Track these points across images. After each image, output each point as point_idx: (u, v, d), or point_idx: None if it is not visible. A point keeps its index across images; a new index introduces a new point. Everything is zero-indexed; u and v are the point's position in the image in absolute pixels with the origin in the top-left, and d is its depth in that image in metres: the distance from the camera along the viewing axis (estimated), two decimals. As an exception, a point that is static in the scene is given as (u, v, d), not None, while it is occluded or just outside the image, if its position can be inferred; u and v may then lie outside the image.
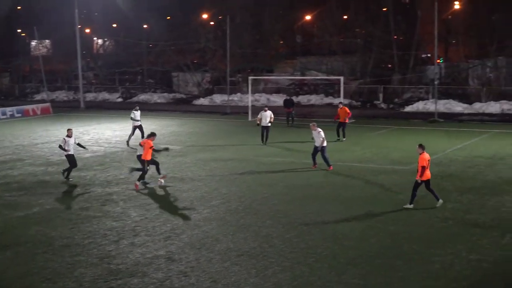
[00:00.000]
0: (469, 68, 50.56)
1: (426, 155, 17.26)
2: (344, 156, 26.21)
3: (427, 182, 17.35)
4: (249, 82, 43.67)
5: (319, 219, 16.45)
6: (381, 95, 51.27)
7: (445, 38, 55.30)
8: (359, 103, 50.54)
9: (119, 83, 67.92)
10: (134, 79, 68.97)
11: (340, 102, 33.55)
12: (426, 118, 40.78)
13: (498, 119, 40.03)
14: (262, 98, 53.13)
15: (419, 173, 17.09)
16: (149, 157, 20.51)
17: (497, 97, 46.17)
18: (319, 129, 22.82)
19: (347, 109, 31.11)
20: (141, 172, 20.70)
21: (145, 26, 67.60)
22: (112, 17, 69.37)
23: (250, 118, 41.17)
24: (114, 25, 73.83)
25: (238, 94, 55.11)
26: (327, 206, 17.79)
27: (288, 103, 38.20)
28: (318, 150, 22.89)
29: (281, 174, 22.64)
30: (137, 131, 30.52)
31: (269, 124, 29.41)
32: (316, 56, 60.65)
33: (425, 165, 17.02)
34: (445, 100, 46.23)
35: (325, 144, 22.80)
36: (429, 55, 56.26)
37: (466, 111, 44.17)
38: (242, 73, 58.16)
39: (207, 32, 61.04)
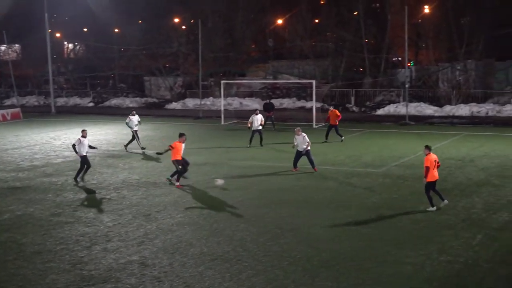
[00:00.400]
0: (439, 71, 51.17)
1: (433, 156, 17.46)
2: (317, 159, 26.22)
3: (435, 182, 17.53)
4: (222, 86, 43.68)
5: (293, 222, 16.50)
6: (353, 98, 51.67)
7: (415, 41, 55.90)
8: (331, 106, 50.70)
9: (91, 88, 67.41)
10: (106, 83, 68.52)
11: (331, 105, 34.57)
12: (398, 121, 41.18)
13: (467, 122, 40.57)
14: (235, 102, 53.15)
15: (424, 174, 17.35)
16: (179, 157, 21.07)
17: (467, 100, 46.85)
18: (304, 134, 22.97)
19: (337, 112, 32.01)
20: (181, 172, 21.41)
21: (116, 30, 67.21)
22: (83, 21, 68.80)
23: (223, 122, 41.19)
24: (85, 29, 73.22)
25: (211, 98, 55.05)
26: (300, 210, 17.87)
27: (268, 107, 38.27)
28: (302, 154, 22.99)
29: (254, 177, 22.66)
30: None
31: (260, 127, 29.85)
32: (288, 60, 60.92)
33: (428, 165, 17.22)
34: (416, 103, 46.75)
35: (309, 148, 22.97)
36: (399, 58, 56.73)
37: (436, 114, 44.69)
38: (215, 77, 58.12)
39: (179, 36, 60.89)
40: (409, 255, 13.68)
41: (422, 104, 46.86)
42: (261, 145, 29.92)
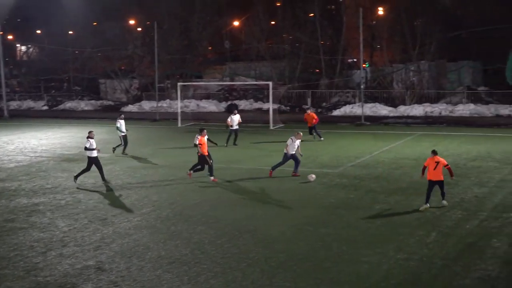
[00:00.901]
0: (393, 72, 51.98)
1: (435, 158, 18.07)
2: (273, 160, 26.36)
3: (438, 183, 17.95)
4: (178, 88, 43.51)
5: (251, 223, 16.52)
6: (309, 100, 52.05)
7: (370, 43, 56.69)
8: (288, 107, 51.11)
9: (45, 91, 66.36)
10: (60, 86, 67.58)
11: (308, 108, 35.47)
12: (353, 121, 41.66)
13: (421, 122, 41.29)
14: (192, 104, 53.02)
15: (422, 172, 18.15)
16: (206, 151, 22.16)
17: (420, 100, 47.71)
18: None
19: (314, 115, 32.78)
20: (201, 168, 22.65)
21: (70, 32, 66.30)
22: (36, 23, 67.73)
23: (180, 124, 41.00)
24: (39, 32, 72.06)
25: (167, 100, 54.83)
26: (258, 211, 17.91)
27: (232, 108, 38.34)
28: (289, 159, 22.75)
29: (210, 179, 22.58)
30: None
31: (237, 127, 31.02)
32: (244, 62, 61.11)
33: (425, 165, 17.97)
34: (371, 104, 47.40)
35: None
36: (355, 59, 57.46)
37: (391, 114, 45.37)
38: (171, 79, 57.92)
39: (134, 38, 60.48)
40: (366, 254, 13.82)
41: (377, 105, 47.52)
42: (235, 144, 30.70)
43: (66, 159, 28.30)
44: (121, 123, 29.11)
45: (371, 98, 49.20)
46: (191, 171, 22.74)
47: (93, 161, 22.13)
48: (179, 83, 44.92)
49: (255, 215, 17.40)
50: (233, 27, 65.51)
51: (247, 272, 12.89)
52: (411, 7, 50.92)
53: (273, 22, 60.73)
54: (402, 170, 23.68)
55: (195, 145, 23.06)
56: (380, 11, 52.39)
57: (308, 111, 33.54)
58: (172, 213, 17.88)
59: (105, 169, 25.01)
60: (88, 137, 22.13)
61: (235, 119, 30.98)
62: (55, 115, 52.30)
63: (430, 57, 50.00)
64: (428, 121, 41.33)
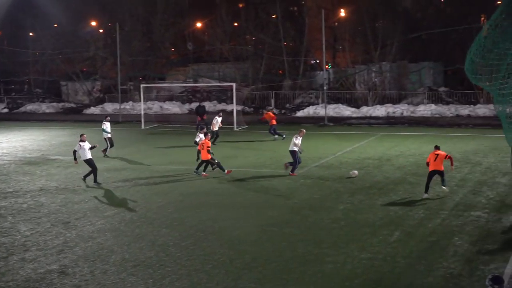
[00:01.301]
0: (355, 73, 52.49)
1: (435, 152, 19.12)
2: (238, 161, 26.50)
3: (438, 172, 18.96)
4: (141, 90, 43.27)
5: (215, 225, 16.55)
6: (272, 101, 52.22)
7: (333, 44, 57.19)
8: (251, 109, 51.22)
9: (5, 93, 65.25)
10: (21, 88, 66.53)
11: (267, 107, 36.24)
12: (317, 122, 41.94)
13: (384, 122, 41.79)
14: (155, 106, 52.73)
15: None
16: (209, 156, 22.80)
17: (383, 101, 48.31)
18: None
19: (271, 113, 33.77)
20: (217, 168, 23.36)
21: (31, 34, 65.34)
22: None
23: (143, 126, 40.75)
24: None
25: (130, 102, 54.44)
26: (222, 212, 17.94)
27: (200, 110, 38.15)
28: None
29: (175, 182, 22.60)
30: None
31: (217, 128, 32.12)
32: (208, 63, 61.01)
33: (428, 160, 19.27)
34: (334, 105, 47.77)
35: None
36: (317, 61, 57.89)
37: (354, 115, 45.78)
38: (134, 81, 57.53)
39: (96, 40, 59.91)
40: (330, 254, 13.95)
41: (340, 106, 47.92)
42: (214, 144, 30.66)
43: (28, 162, 27.91)
44: (107, 125, 29.35)
45: (334, 99, 49.62)
46: (225, 170, 23.36)
47: (89, 163, 22.22)
48: (142, 85, 44.70)
49: (220, 217, 17.42)
50: (196, 28, 65.38)
51: (212, 274, 12.90)
52: (372, 9, 51.55)
53: (236, 24, 60.81)
54: (365, 170, 23.95)
55: (196, 143, 25.03)
56: (342, 12, 52.88)
57: (265, 111, 34.44)
58: (136, 215, 17.79)
59: (66, 172, 24.89)
60: (80, 141, 22.29)
61: (219, 121, 32.23)
62: (15, 118, 51.48)
63: (392, 58, 50.66)
64: (390, 122, 41.86)
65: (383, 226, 16.18)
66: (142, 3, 58.10)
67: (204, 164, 23.19)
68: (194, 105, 51.85)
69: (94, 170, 22.18)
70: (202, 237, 15.45)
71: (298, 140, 23.21)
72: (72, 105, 59.30)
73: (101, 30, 62.54)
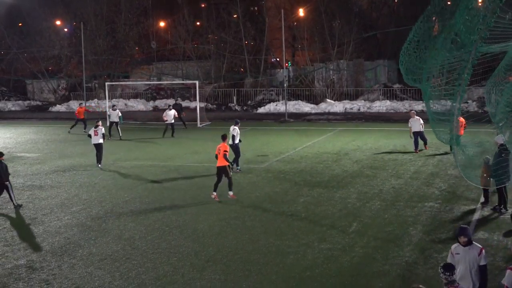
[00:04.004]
0: (314, 71, 53.22)
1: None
2: (201, 157, 26.79)
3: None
4: (106, 88, 43.29)
5: (179, 219, 16.85)
6: (235, 98, 52.71)
7: (292, 43, 57.87)
8: (214, 105, 51.59)
9: (-31, 92, 64.34)
10: (-15, 87, 65.69)
11: (169, 105, 37.03)
12: (277, 118, 42.52)
13: (341, 118, 42.59)
14: (120, 103, 52.69)
15: None
16: (226, 162, 19.07)
17: (340, 97, 49.18)
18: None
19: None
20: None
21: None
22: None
23: (108, 124, 40.68)
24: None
25: (95, 100, 54.36)
26: (185, 207, 18.22)
27: (177, 108, 38.41)
28: None
29: (140, 177, 22.83)
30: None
31: (173, 121, 33.63)
32: (171, 62, 61.23)
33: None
34: (294, 101, 48.45)
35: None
36: (278, 59, 58.53)
37: (313, 111, 46.50)
38: (99, 79, 57.35)
39: (61, 39, 59.47)
40: (291, 245, 14.34)
41: (300, 102, 48.62)
42: (173, 136, 33.00)
43: (-7, 159, 27.73)
44: (112, 112, 34.64)
45: (294, 96, 50.31)
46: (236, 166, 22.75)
47: (97, 146, 24.96)
48: (106, 83, 44.73)
49: (184, 211, 17.72)
50: (159, 28, 65.34)
51: (177, 266, 13.17)
52: (330, 9, 52.38)
53: (198, 23, 61.06)
54: (324, 164, 24.54)
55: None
56: (301, 12, 53.57)
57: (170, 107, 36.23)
58: (103, 210, 18.02)
59: (32, 169, 24.90)
60: (95, 126, 25.04)
61: (171, 114, 33.58)
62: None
63: (348, 56, 51.58)
64: (348, 117, 42.68)
65: (341, 217, 16.63)
66: (106, 2, 57.90)
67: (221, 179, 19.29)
68: (159, 102, 52.01)
69: (100, 153, 25.06)
70: (167, 231, 15.74)
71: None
72: (38, 103, 58.91)
73: (65, 29, 62.11)
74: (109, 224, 16.55)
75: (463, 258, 9.53)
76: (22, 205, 18.81)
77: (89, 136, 25.25)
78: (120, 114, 34.74)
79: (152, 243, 14.77)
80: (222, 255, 13.82)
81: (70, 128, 36.59)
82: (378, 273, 12.56)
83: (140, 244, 14.76)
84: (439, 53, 14.55)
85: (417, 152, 26.27)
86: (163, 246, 14.53)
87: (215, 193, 19.05)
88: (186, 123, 37.46)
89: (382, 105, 46.30)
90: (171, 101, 53.71)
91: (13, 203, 18.50)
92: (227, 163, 19.08)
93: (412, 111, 28.12)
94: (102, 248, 14.52)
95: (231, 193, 19.10)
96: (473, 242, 9.65)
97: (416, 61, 14.61)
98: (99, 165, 24.85)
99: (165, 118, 33.80)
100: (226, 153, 19.04)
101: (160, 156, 27.31)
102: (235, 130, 24.17)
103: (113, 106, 36.70)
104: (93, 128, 25.06)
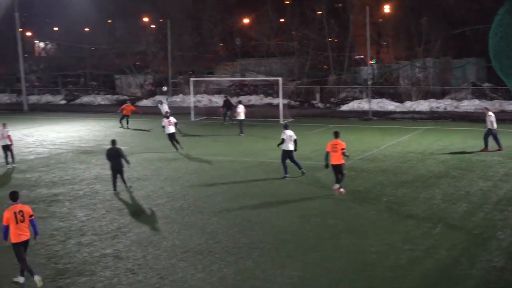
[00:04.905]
0: (399, 68, 52.24)
1: None
2: (280, 153, 26.78)
3: None
4: (191, 83, 44.10)
5: (260, 215, 16.93)
6: (318, 95, 52.49)
7: (377, 40, 56.99)
8: (297, 102, 51.57)
9: (62, 86, 67.22)
10: (77, 81, 68.54)
11: (239, 101, 36.70)
12: (361, 116, 42.00)
13: (427, 117, 41.56)
14: (204, 99, 53.60)
15: None
16: (343, 160, 18.94)
17: (426, 96, 48.06)
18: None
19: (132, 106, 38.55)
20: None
21: (86, 29, 67.09)
22: (54, 20, 68.66)
23: (193, 119, 41.57)
24: (56, 29, 73.01)
25: (180, 95, 55.48)
26: (266, 202, 18.28)
27: (227, 104, 39.10)
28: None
29: (223, 172, 23.08)
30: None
31: (243, 117, 33.66)
32: (255, 58, 61.59)
33: None
34: (378, 99, 47.73)
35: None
36: (362, 56, 57.79)
37: (398, 110, 45.65)
38: (184, 75, 58.49)
39: (147, 35, 61.08)
40: (373, 245, 14.14)
41: (384, 100, 47.85)
42: (242, 134, 33.07)
43: (84, 151, 28.90)
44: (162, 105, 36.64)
45: (378, 93, 49.53)
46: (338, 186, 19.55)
47: (169, 136, 27.72)
48: (191, 79, 45.54)
49: (264, 207, 17.81)
50: (244, 24, 65.91)
51: (258, 262, 13.24)
52: (417, 5, 51.20)
53: (282, 20, 61.16)
54: (409, 163, 24.06)
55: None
56: (386, 9, 52.65)
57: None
58: (186, 204, 18.34)
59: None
60: (164, 117, 28.05)
61: (240, 110, 33.73)
62: (72, 109, 52.96)
63: (435, 54, 50.29)
64: (434, 116, 41.62)
65: (426, 218, 16.26)
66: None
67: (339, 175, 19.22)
68: (242, 98, 52.49)
69: (174, 141, 27.62)
70: (248, 226, 15.86)
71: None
72: (125, 97, 60.57)
73: (152, 26, 63.77)
74: (192, 218, 16.82)
75: None
76: (131, 186, 20.42)
77: (163, 127, 27.70)
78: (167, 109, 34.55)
79: (233, 238, 14.91)
80: (302, 252, 13.79)
81: (127, 124, 37.91)
82: (464, 277, 12.22)
83: (222, 238, 14.93)
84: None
85: (501, 150, 26.03)
86: (244, 241, 14.64)
87: (337, 185, 19.10)
88: (233, 119, 38.01)
89: (470, 105, 44.88)
90: (254, 97, 54.31)
91: (125, 185, 20.25)
92: (343, 161, 19.00)
93: (486, 108, 27.93)
94: (185, 241, 14.77)
95: (342, 189, 19.07)
96: None
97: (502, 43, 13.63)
98: (176, 151, 27.35)
99: (239, 116, 33.53)
100: (344, 150, 18.89)
101: (242, 152, 27.52)
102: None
103: (160, 101, 38.34)
104: (166, 119, 27.58)
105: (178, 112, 45.92)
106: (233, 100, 46.36)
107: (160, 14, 60.02)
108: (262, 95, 54.87)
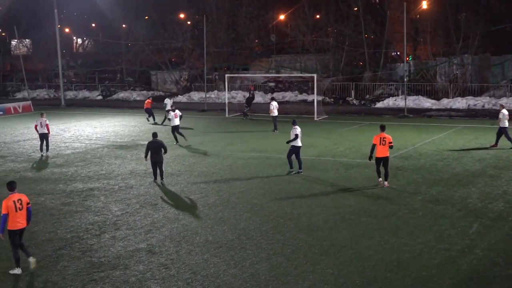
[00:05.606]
0: (436, 65, 51.56)
1: None
2: (317, 150, 26.78)
3: None
4: (226, 79, 44.26)
5: (294, 211, 16.91)
6: (353, 92, 52.15)
7: (414, 37, 56.37)
8: (332, 99, 51.32)
9: (99, 81, 68.16)
10: (114, 77, 69.35)
11: (272, 97, 36.79)
12: (396, 113, 41.60)
13: (464, 115, 40.97)
14: (239, 95, 53.69)
15: None
16: (388, 153, 19.34)
17: (463, 93, 47.35)
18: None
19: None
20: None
21: (123, 26, 67.86)
22: (91, 17, 69.66)
23: (227, 115, 41.69)
24: (93, 25, 74.04)
25: (215, 91, 55.80)
26: (300, 199, 18.25)
27: (250, 101, 39.84)
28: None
29: (256, 168, 23.11)
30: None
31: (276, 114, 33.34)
32: (290, 55, 61.56)
33: None
34: (414, 96, 47.21)
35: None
36: (398, 53, 57.26)
37: (434, 107, 45.11)
38: (219, 71, 58.74)
39: (184, 31, 61.47)
40: (407, 243, 14.02)
41: (420, 97, 47.33)
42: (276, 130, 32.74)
43: (119, 146, 29.20)
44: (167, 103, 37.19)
45: (414, 91, 49.01)
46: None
47: (173, 128, 29.22)
48: (226, 75, 45.74)
49: (298, 203, 17.77)
50: (279, 21, 65.89)
51: (291, 258, 13.23)
52: (455, 1, 50.46)
53: (317, 16, 60.92)
54: (444, 161, 23.76)
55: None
56: (424, 5, 51.97)
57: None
58: (219, 200, 18.41)
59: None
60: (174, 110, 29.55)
61: (273, 107, 33.34)
62: (108, 105, 53.56)
63: (474, 50, 49.48)
64: (471, 114, 41.00)
65: (461, 217, 16.07)
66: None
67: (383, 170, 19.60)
68: (276, 94, 52.47)
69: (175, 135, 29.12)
70: (281, 223, 15.85)
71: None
72: (161, 93, 61.08)
73: (188, 22, 64.14)
74: (225, 213, 16.88)
75: None
76: (163, 181, 20.93)
77: (169, 119, 29.77)
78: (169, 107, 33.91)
79: (266, 234, 14.92)
80: (335, 250, 13.75)
81: (153, 120, 38.16)
82: (500, 278, 12.05)
83: (255, 234, 14.95)
84: None
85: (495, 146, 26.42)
86: (277, 238, 14.64)
87: (380, 179, 19.74)
88: (248, 116, 39.01)
89: (509, 102, 44.03)
90: (288, 94, 54.24)
91: (161, 177, 21.02)
92: (388, 154, 19.50)
93: (501, 104, 28.22)
94: (218, 237, 14.83)
95: (386, 182, 19.60)
96: None
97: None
98: (176, 143, 28.84)
99: (272, 113, 33.13)
100: (392, 144, 19.56)
101: (277, 148, 27.49)
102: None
103: (165, 104, 38.21)
104: (172, 112, 29.39)
105: (213, 108, 46.33)
106: (267, 96, 46.59)
107: (196, 10, 60.33)
108: (296, 92, 54.73)
